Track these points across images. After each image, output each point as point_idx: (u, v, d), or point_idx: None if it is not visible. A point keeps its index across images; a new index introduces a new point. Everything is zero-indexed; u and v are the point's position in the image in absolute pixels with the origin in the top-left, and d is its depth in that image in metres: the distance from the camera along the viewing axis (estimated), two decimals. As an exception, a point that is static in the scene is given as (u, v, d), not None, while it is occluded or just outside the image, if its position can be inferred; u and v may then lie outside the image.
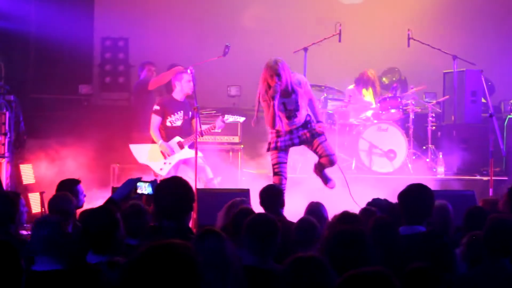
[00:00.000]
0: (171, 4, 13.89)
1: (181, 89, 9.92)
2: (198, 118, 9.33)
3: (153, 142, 9.95)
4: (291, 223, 6.31)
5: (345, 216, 5.41)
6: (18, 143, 10.13)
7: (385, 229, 5.16)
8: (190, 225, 7.67)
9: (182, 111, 9.94)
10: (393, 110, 11.48)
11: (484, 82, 10.32)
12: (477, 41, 13.57)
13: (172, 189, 4.97)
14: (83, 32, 12.78)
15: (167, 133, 9.88)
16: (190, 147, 9.85)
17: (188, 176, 9.21)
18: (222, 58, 9.95)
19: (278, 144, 8.49)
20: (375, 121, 11.57)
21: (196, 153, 9.16)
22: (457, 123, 11.79)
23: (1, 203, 5.79)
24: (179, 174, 9.73)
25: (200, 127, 9.43)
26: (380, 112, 11.68)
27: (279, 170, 8.47)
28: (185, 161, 9.90)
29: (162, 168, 9.75)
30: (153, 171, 9.78)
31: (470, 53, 12.28)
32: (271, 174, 8.65)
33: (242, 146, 11.05)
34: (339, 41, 11.97)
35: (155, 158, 9.78)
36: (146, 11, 13.63)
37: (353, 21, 13.17)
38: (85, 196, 7.04)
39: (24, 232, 7.18)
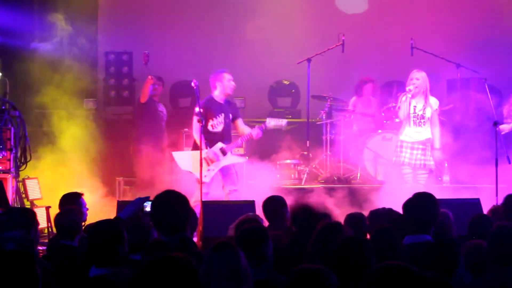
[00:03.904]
0: (175, 18, 13.92)
1: (223, 89, 9.82)
2: (201, 131, 9.33)
3: (195, 148, 9.76)
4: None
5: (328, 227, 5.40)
6: (23, 158, 10.15)
7: (386, 238, 5.14)
8: (196, 237, 7.72)
9: (223, 114, 9.81)
10: (397, 120, 11.46)
11: (488, 89, 10.29)
12: (482, 49, 13.56)
13: (170, 203, 4.98)
14: (87, 47, 12.81)
15: (208, 138, 9.61)
16: (233, 153, 9.86)
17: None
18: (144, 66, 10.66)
19: None
20: (380, 131, 11.57)
21: (201, 161, 9.13)
22: (462, 131, 11.76)
23: (20, 217, 5.83)
24: (215, 182, 9.72)
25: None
26: (385, 121, 11.69)
27: None
28: (222, 168, 9.80)
29: (206, 175, 9.52)
30: (196, 178, 9.55)
31: (474, 61, 12.27)
32: (276, 185, 8.64)
33: (247, 157, 11.03)
34: (342, 51, 11.99)
35: (197, 165, 9.35)
36: (149, 25, 13.68)
37: (356, 31, 13.18)
38: (87, 209, 7.06)
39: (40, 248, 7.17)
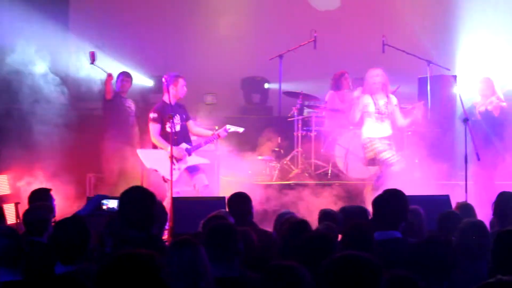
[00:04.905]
0: (146, 13, 13.87)
1: (175, 93, 9.83)
2: (173, 125, 9.33)
3: (155, 148, 9.81)
4: (264, 231, 6.29)
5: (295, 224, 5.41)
6: (-8, 154, 10.06)
7: (359, 234, 5.16)
8: (166, 233, 7.69)
9: (178, 115, 9.81)
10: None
11: (458, 87, 10.37)
12: (453, 47, 13.65)
13: (137, 200, 4.96)
14: (58, 41, 12.69)
15: (168, 139, 9.50)
16: (197, 153, 9.85)
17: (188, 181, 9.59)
18: (92, 64, 11.07)
19: None
20: (351, 127, 11.61)
21: (171, 158, 9.10)
22: (432, 128, 11.83)
23: None
24: (183, 180, 9.70)
25: (174, 133, 9.46)
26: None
27: None
28: (188, 167, 9.83)
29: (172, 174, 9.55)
30: (162, 176, 9.57)
31: (445, 59, 12.35)
32: (248, 181, 8.65)
33: (218, 153, 11.00)
34: (314, 47, 12.02)
35: (164, 163, 9.38)
36: (121, 20, 13.60)
37: (328, 28, 13.21)
38: (55, 205, 7.01)
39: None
